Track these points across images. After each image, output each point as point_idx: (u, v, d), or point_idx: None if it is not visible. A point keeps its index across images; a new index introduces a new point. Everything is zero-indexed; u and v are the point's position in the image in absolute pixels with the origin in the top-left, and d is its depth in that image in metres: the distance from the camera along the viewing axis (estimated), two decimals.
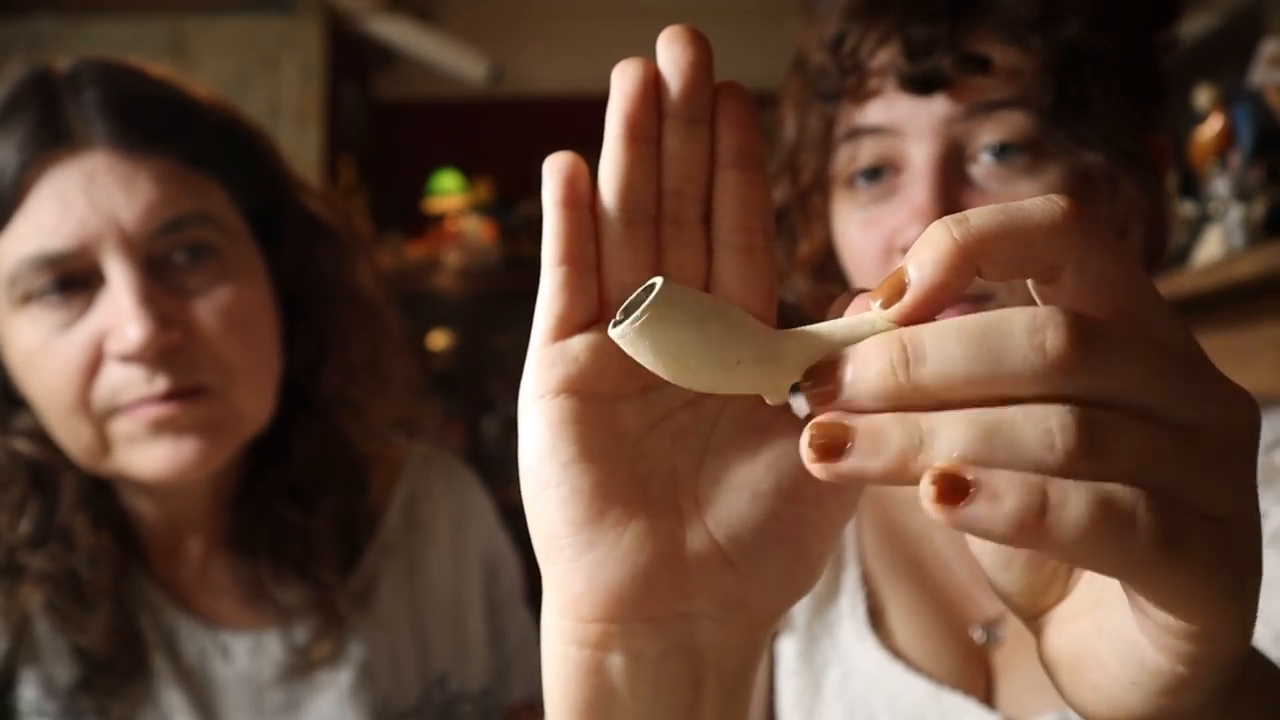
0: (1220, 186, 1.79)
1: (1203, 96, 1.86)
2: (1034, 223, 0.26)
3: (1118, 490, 0.25)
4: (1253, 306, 1.71)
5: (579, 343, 0.35)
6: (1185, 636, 0.27)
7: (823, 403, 0.27)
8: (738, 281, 0.36)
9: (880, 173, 0.66)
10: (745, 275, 0.36)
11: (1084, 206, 0.27)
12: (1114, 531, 0.24)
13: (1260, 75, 1.73)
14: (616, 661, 0.35)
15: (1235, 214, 1.76)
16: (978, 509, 0.24)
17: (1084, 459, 0.24)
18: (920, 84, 0.63)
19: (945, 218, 0.27)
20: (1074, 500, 0.24)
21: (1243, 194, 1.75)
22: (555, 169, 0.35)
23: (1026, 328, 0.25)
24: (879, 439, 0.26)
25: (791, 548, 0.35)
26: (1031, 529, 0.24)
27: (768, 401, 0.31)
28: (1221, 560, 0.26)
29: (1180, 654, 0.28)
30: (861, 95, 0.65)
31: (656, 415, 0.36)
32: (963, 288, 0.27)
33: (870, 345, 0.27)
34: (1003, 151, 0.63)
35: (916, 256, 0.27)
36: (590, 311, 0.35)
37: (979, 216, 0.26)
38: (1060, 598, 0.33)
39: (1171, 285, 1.74)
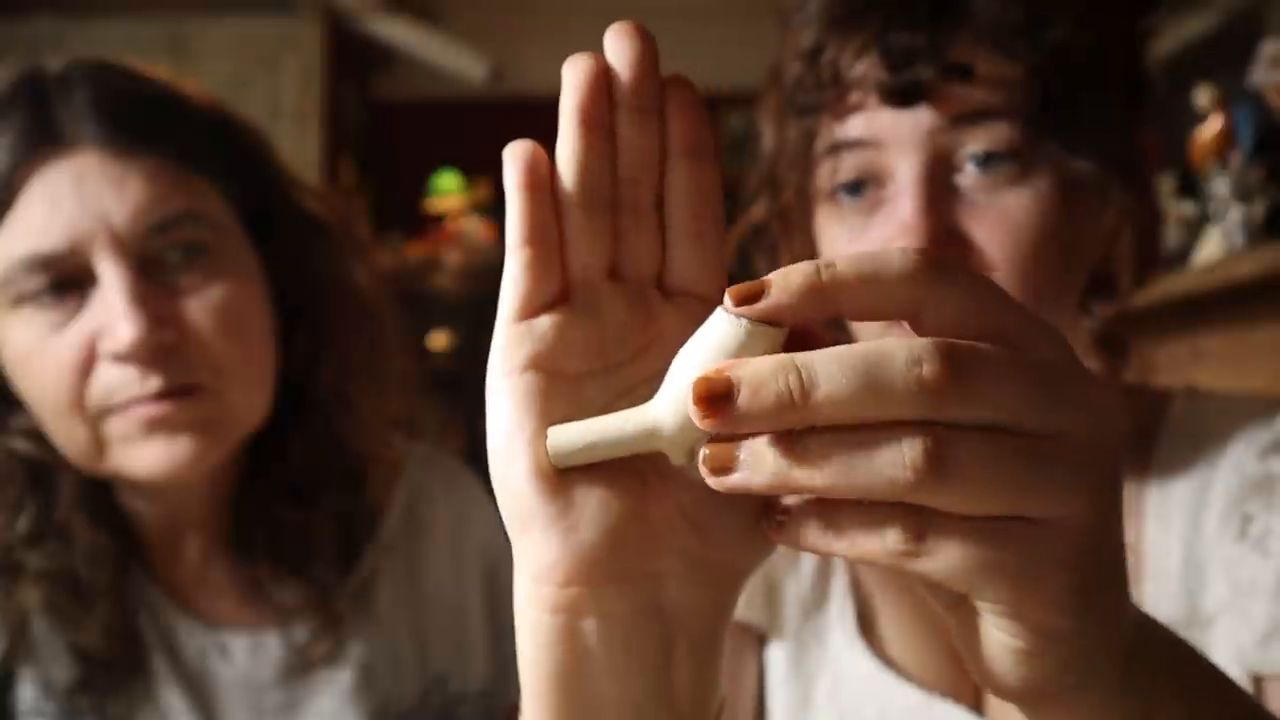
0: (1220, 186, 1.79)
1: (1203, 96, 1.86)
2: (890, 273, 0.30)
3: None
4: (1253, 306, 1.71)
5: (545, 321, 0.37)
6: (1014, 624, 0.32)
7: (714, 423, 0.30)
8: (689, 267, 0.38)
9: (863, 186, 0.64)
10: (697, 261, 0.38)
11: (937, 252, 0.31)
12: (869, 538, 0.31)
13: (1260, 75, 1.72)
14: (589, 625, 0.36)
15: (1235, 214, 1.75)
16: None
17: (930, 488, 0.29)
18: (902, 96, 0.61)
19: (820, 260, 0.31)
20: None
21: (1243, 194, 1.75)
22: (516, 155, 0.36)
23: (906, 359, 0.28)
24: (760, 461, 0.30)
25: (751, 506, 0.36)
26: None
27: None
28: (1029, 561, 0.30)
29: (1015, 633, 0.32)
30: (841, 108, 0.63)
31: (618, 390, 0.37)
32: (812, 318, 0.31)
33: (764, 368, 0.29)
34: (989, 161, 0.61)
35: (786, 279, 0.30)
36: (554, 292, 0.37)
37: (845, 264, 0.30)
38: None
39: (1171, 285, 1.74)
